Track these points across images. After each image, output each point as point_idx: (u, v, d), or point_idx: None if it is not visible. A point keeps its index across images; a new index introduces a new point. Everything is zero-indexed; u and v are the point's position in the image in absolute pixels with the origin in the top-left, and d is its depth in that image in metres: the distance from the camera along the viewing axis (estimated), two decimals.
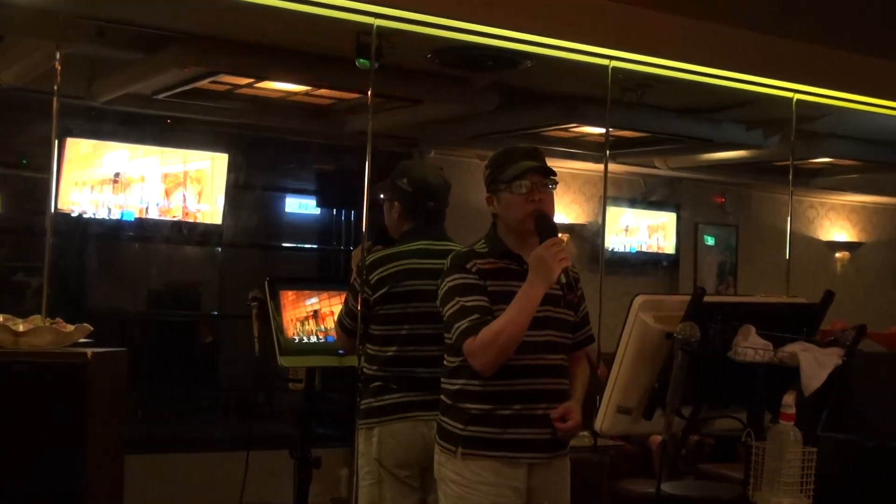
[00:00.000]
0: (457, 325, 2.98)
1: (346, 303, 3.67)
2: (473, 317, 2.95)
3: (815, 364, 2.65)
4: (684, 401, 2.68)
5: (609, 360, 2.85)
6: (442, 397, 3.11)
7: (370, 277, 3.53)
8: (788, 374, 2.68)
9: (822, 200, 10.31)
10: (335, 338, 3.95)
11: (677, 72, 4.95)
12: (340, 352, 4.04)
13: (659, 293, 9.33)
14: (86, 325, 3.38)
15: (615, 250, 8.91)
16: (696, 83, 5.17)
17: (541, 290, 2.93)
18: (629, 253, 9.04)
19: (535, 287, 2.93)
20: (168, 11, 4.74)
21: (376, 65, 4.45)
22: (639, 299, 2.75)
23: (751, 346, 2.64)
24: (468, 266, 3.04)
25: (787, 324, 2.85)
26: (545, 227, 3.02)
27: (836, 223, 10.54)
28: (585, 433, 3.65)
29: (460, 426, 3.02)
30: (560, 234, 3.00)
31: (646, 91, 5.83)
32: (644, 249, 9.14)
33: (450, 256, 3.12)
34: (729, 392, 2.77)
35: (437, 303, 3.09)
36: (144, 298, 7.92)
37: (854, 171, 8.86)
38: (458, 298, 3.00)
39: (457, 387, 3.05)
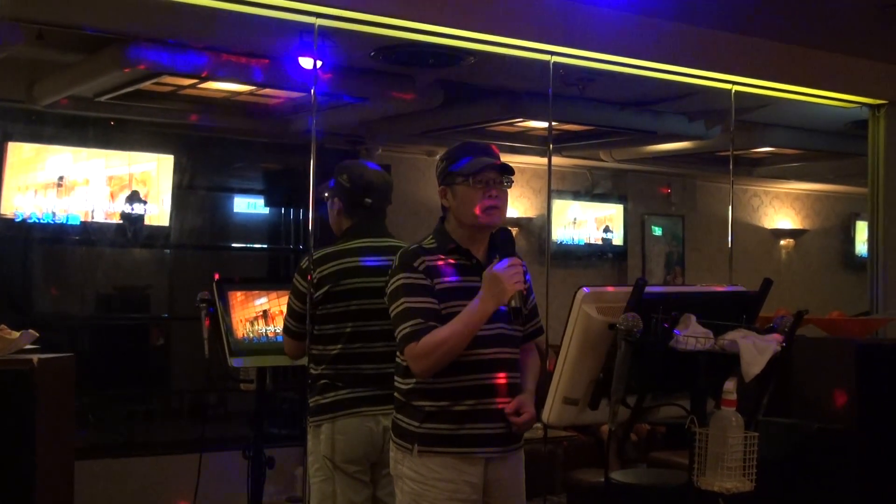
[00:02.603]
0: (400, 328, 2.99)
1: (289, 305, 3.67)
2: (416, 321, 2.96)
3: (755, 351, 2.70)
4: (629, 390, 2.72)
5: (557, 350, 2.88)
6: (396, 395, 3.12)
7: (313, 277, 3.54)
8: (729, 361, 2.73)
9: (766, 189, 10.46)
10: (283, 342, 3.93)
11: (618, 66, 5.00)
12: (291, 359, 4.03)
13: (606, 285, 9.43)
14: (31, 331, 3.35)
15: (563, 243, 8.98)
16: (637, 76, 5.23)
17: (490, 308, 2.95)
18: (577, 245, 9.12)
19: (485, 305, 2.94)
20: (107, 13, 4.69)
21: (319, 63, 4.45)
22: (582, 291, 2.79)
23: (691, 334, 2.68)
24: (416, 264, 3.03)
25: (728, 312, 2.90)
26: (504, 243, 3.04)
27: (781, 211, 10.70)
28: (538, 424, 3.68)
29: (416, 423, 3.03)
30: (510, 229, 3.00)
31: (588, 85, 5.88)
32: (592, 241, 9.22)
33: (398, 254, 3.12)
34: (672, 380, 2.81)
35: (385, 300, 3.09)
36: (93, 302, 7.84)
37: (796, 160, 9.01)
38: (403, 299, 3.01)
39: (410, 385, 3.06)
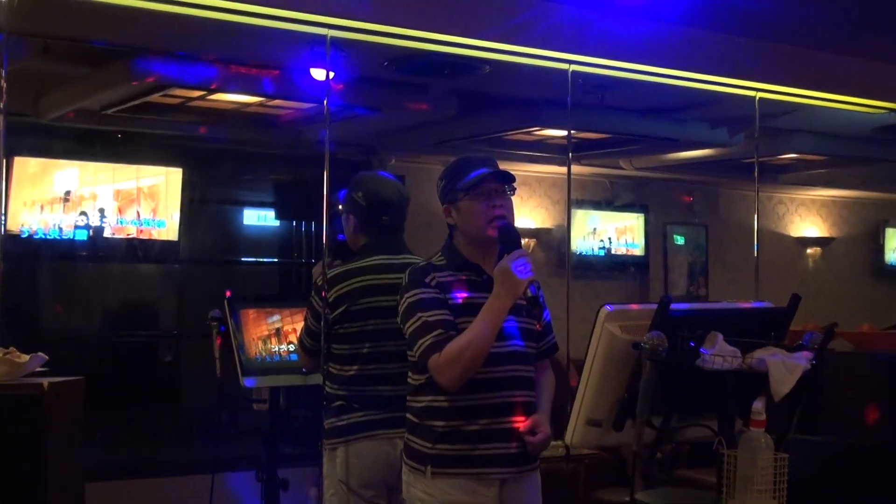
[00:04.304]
0: (420, 342, 2.99)
1: (305, 321, 3.68)
2: (437, 332, 2.97)
3: (784, 369, 2.69)
4: (654, 411, 2.71)
5: (578, 365, 2.87)
6: (408, 416, 3.12)
7: (329, 296, 3.54)
8: (758, 381, 2.72)
9: (792, 196, 10.43)
10: (298, 356, 3.95)
11: (638, 74, 5.01)
12: (304, 370, 4.05)
13: (628, 300, 9.41)
14: (40, 354, 3.37)
15: (583, 254, 8.97)
16: (658, 84, 5.23)
17: (507, 303, 2.96)
18: (597, 256, 9.11)
19: (502, 300, 2.95)
20: (115, 26, 4.73)
21: (332, 74, 4.47)
22: (605, 310, 2.78)
23: (718, 353, 2.68)
24: (427, 280, 3.05)
25: (755, 329, 2.89)
26: (510, 238, 3.04)
27: (807, 219, 10.66)
28: (559, 442, 3.68)
29: (428, 444, 3.03)
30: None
31: (607, 92, 5.89)
32: (613, 252, 9.20)
33: (407, 271, 3.12)
34: (699, 400, 2.80)
35: (398, 319, 3.10)
36: (100, 319, 7.87)
37: (822, 166, 8.98)
38: (419, 314, 3.01)
39: (423, 404, 3.06)
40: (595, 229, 9.08)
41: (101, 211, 6.87)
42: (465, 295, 3.04)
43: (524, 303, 3.05)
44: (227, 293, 4.56)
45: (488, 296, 3.00)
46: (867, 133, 7.45)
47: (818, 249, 10.64)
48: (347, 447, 3.51)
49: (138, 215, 7.02)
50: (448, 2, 4.44)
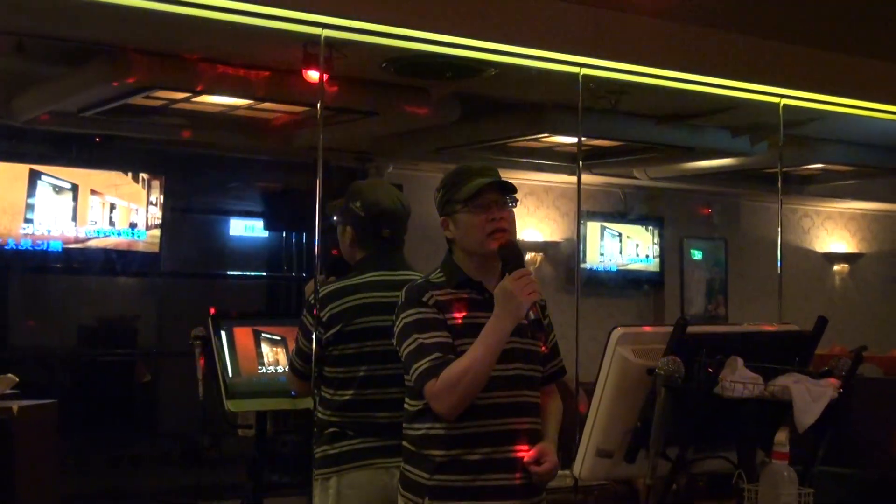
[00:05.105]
0: (416, 366, 2.98)
1: (296, 342, 3.67)
2: (434, 356, 2.95)
3: (809, 398, 2.69)
4: (669, 441, 2.71)
5: (588, 389, 2.87)
6: (405, 444, 3.11)
7: (322, 315, 3.53)
8: (781, 409, 2.72)
9: (818, 209, 10.44)
10: (287, 379, 3.95)
11: (654, 78, 5.02)
12: (293, 393, 4.04)
13: (641, 319, 9.39)
14: (11, 375, 3.38)
15: (593, 269, 8.97)
16: (675, 88, 5.24)
17: (508, 326, 2.95)
18: (609, 272, 9.11)
19: (503, 323, 2.94)
20: (95, 23, 4.74)
21: (326, 76, 4.48)
22: (617, 332, 2.78)
23: (739, 380, 2.68)
24: (425, 299, 3.03)
25: (778, 353, 2.89)
26: (511, 256, 3.04)
27: (834, 233, 10.67)
28: (566, 472, 3.67)
29: (426, 475, 3.02)
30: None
31: (621, 97, 5.90)
32: (625, 268, 9.21)
33: (404, 289, 3.11)
34: (717, 430, 2.80)
35: (394, 341, 3.10)
36: (75, 336, 7.88)
37: (850, 177, 8.99)
38: (415, 336, 3.00)
39: (420, 432, 3.05)
40: (606, 243, 9.08)
41: (77, 220, 6.88)
42: (465, 315, 3.04)
43: (526, 322, 3.05)
44: (212, 310, 4.56)
45: (489, 316, 3.00)
46: None
47: (846, 266, 10.64)
48: (340, 477, 3.50)
49: (117, 225, 7.03)
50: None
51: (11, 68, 5.62)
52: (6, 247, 6.58)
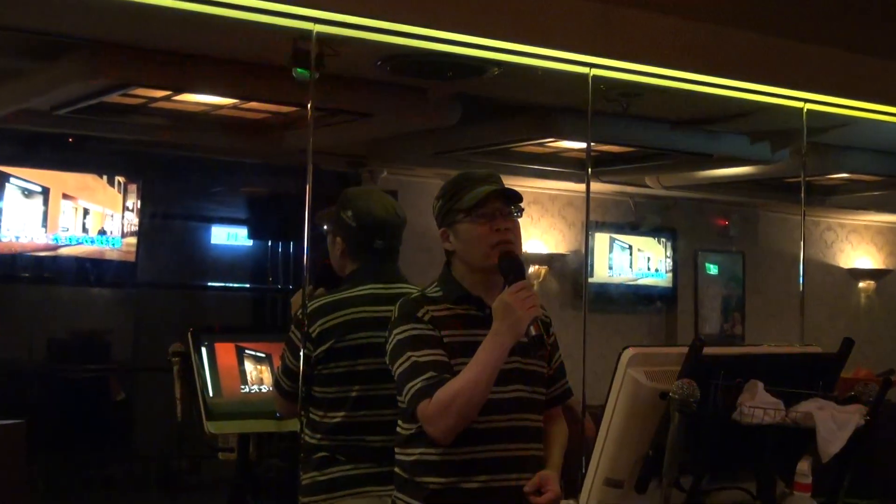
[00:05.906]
0: (409, 386, 2.97)
1: (282, 359, 3.66)
2: (428, 375, 2.95)
3: (833, 425, 2.69)
4: (683, 470, 2.71)
5: (595, 412, 2.87)
6: (396, 470, 3.11)
7: (311, 330, 3.52)
8: (803, 437, 2.72)
9: (842, 221, 10.46)
10: (273, 399, 3.94)
11: (668, 80, 5.03)
12: (278, 414, 4.04)
13: (653, 338, 9.37)
14: None
15: (602, 283, 8.98)
16: (690, 91, 5.25)
17: (508, 342, 2.94)
18: (618, 287, 9.12)
19: (501, 339, 2.94)
20: (69, 15, 4.74)
21: (317, 74, 4.48)
22: (628, 352, 2.78)
23: (758, 405, 2.67)
24: (420, 314, 3.03)
25: (801, 377, 2.89)
26: (511, 268, 3.03)
27: (859, 247, 10.68)
28: (571, 503, 3.66)
29: None
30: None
31: (633, 100, 5.91)
32: (636, 282, 9.22)
33: (398, 304, 3.11)
34: (735, 459, 2.80)
35: (386, 359, 3.09)
36: (44, 351, 7.88)
37: (877, 188, 9.01)
38: (409, 353, 3.00)
39: (413, 457, 3.05)
40: (616, 256, 9.10)
41: (48, 226, 6.88)
42: (463, 332, 3.04)
43: (527, 339, 3.04)
44: (191, 330, 4.55)
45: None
46: None
47: (872, 283, 10.65)
48: None
49: (90, 231, 7.03)
50: None
51: None
52: None
